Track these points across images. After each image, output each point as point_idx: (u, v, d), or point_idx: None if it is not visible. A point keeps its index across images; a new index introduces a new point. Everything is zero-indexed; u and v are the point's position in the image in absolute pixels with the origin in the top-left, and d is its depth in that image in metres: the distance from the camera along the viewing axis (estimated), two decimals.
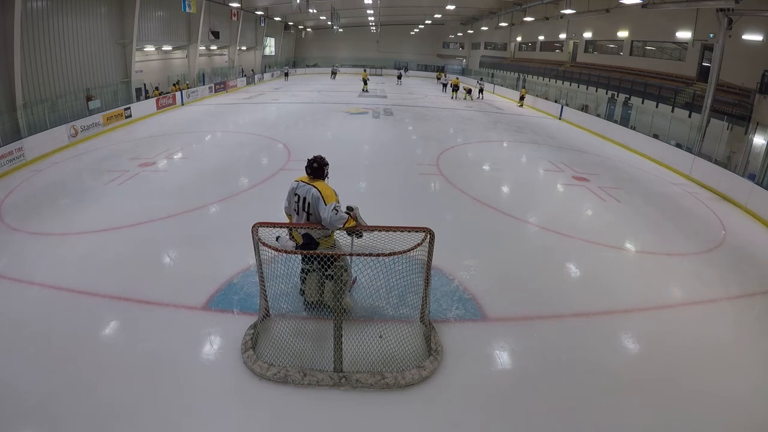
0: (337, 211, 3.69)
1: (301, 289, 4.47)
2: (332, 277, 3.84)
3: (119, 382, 3.50)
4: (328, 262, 3.69)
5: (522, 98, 23.66)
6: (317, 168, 3.97)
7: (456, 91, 24.81)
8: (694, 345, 4.28)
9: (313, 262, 4.03)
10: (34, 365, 3.66)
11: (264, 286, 3.95)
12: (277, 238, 3.87)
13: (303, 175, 4.06)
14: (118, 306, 4.49)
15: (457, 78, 28.10)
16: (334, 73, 36.65)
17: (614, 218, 7.58)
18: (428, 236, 3.62)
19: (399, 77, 33.75)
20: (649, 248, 6.45)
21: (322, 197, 3.77)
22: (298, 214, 3.99)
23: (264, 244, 3.60)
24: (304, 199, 3.89)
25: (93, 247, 5.80)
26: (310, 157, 4.05)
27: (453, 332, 4.22)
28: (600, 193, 8.84)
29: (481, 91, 25.56)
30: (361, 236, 3.83)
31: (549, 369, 3.85)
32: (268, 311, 4.18)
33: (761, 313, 5.08)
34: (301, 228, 3.92)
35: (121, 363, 3.70)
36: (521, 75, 27.06)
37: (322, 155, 4.07)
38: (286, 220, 4.20)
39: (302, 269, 4.41)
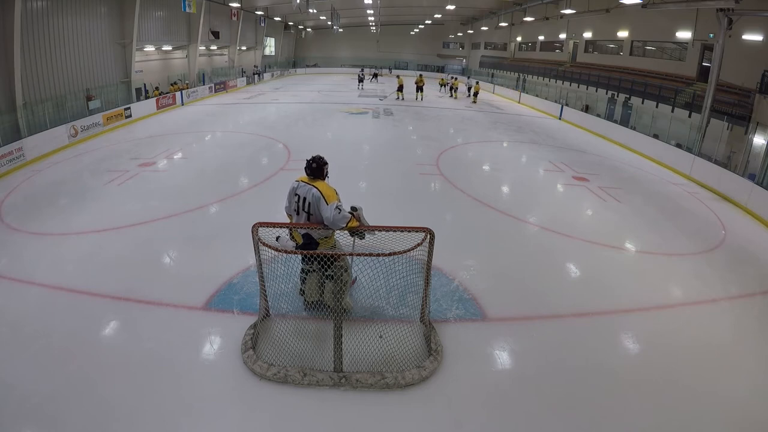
0: (340, 210, 3.70)
1: (301, 289, 4.46)
2: (332, 278, 3.85)
3: (119, 382, 3.50)
4: (329, 263, 3.69)
5: (476, 94, 22.98)
6: (316, 168, 3.97)
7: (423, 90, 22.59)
8: (694, 345, 4.28)
9: (313, 263, 4.03)
10: (34, 365, 3.66)
11: (264, 286, 3.95)
12: (277, 238, 3.87)
13: (303, 175, 4.06)
14: (118, 306, 4.49)
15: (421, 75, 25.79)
16: (361, 80, 28.46)
17: (614, 218, 7.58)
18: (428, 236, 3.62)
19: (374, 75, 30.70)
20: (649, 248, 6.45)
21: (323, 197, 3.78)
22: (298, 214, 3.98)
23: (264, 244, 3.60)
24: (304, 199, 3.89)
25: (93, 247, 5.80)
26: (309, 157, 4.06)
27: (453, 332, 4.22)
28: (600, 193, 8.84)
29: (469, 89, 23.62)
30: (363, 237, 3.85)
31: (549, 369, 3.85)
32: (268, 311, 4.18)
33: (761, 313, 5.07)
34: (301, 228, 3.92)
35: (121, 363, 3.70)
36: (521, 75, 27.05)
37: (321, 155, 4.06)
38: (287, 220, 4.20)
39: (302, 269, 4.40)
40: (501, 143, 13.49)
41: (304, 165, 4.03)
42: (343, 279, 3.61)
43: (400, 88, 22.67)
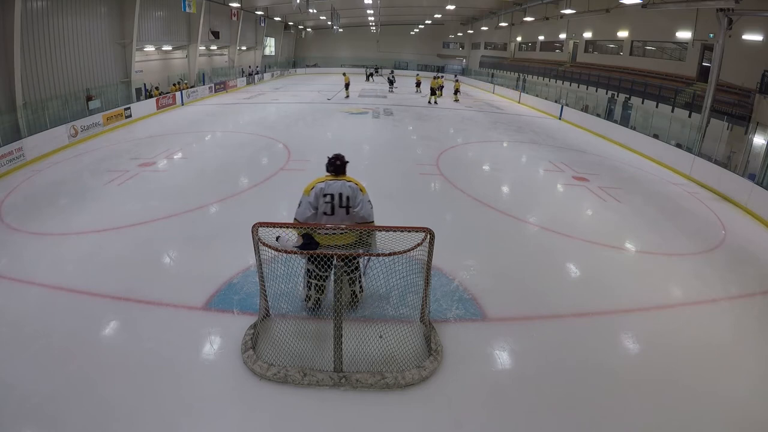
0: (372, 205, 4.02)
1: (307, 296, 4.32)
2: (353, 281, 4.16)
3: (119, 382, 3.50)
4: (348, 260, 3.69)
5: (456, 92, 22.69)
6: (340, 165, 4.10)
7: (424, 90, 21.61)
8: (694, 345, 4.28)
9: (328, 269, 3.95)
10: (34, 365, 3.66)
11: (264, 286, 3.94)
12: (278, 238, 3.87)
13: (318, 176, 4.09)
14: (118, 306, 4.49)
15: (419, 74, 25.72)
16: (392, 82, 27.02)
17: (614, 218, 7.58)
18: (428, 236, 3.62)
19: (391, 79, 27.31)
20: (649, 248, 6.45)
21: (359, 188, 4.01)
22: (332, 213, 3.98)
23: (264, 244, 3.60)
24: (340, 194, 3.96)
25: (93, 247, 5.80)
26: (330, 155, 4.16)
27: (453, 332, 4.22)
28: (600, 193, 8.84)
29: (441, 88, 22.13)
30: (367, 250, 3.98)
31: (549, 369, 3.85)
32: (268, 311, 4.18)
33: (761, 313, 5.07)
34: (301, 228, 3.92)
35: (121, 363, 3.70)
36: (521, 75, 27.06)
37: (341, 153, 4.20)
38: (287, 220, 4.18)
39: (315, 275, 4.13)
40: (501, 143, 13.49)
41: (326, 164, 4.14)
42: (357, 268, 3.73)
43: (347, 86, 22.77)
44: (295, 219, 4.05)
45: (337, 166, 4.08)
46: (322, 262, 3.90)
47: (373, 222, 4.07)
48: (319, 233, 3.96)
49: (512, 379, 3.75)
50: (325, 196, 3.97)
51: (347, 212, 3.99)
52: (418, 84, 26.72)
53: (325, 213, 3.99)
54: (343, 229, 3.84)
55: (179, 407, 3.30)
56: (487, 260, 5.74)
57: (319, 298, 4.27)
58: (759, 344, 4.42)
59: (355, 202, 3.99)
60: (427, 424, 3.26)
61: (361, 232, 3.92)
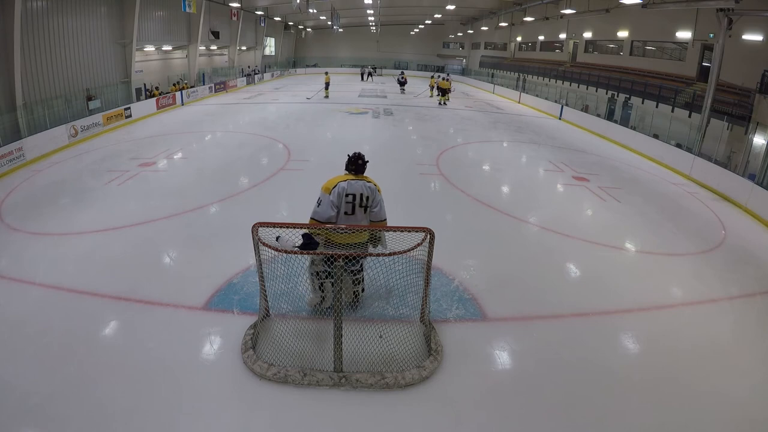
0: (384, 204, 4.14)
1: (322, 297, 4.25)
2: (357, 281, 4.18)
3: (119, 382, 3.50)
4: (356, 259, 3.71)
5: (448, 91, 21.45)
6: (362, 164, 4.11)
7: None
8: (694, 345, 4.28)
9: (338, 268, 3.94)
10: (33, 365, 3.66)
11: (264, 286, 3.94)
12: (277, 238, 3.87)
13: (335, 176, 4.09)
14: (118, 306, 4.49)
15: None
16: (402, 84, 26.26)
17: (614, 218, 7.58)
18: (428, 236, 3.62)
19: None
20: (649, 248, 6.45)
21: (377, 189, 4.06)
22: (352, 213, 3.99)
23: (264, 244, 3.60)
24: (362, 195, 3.98)
25: (93, 247, 5.80)
26: (351, 154, 4.15)
27: (453, 332, 4.22)
28: (600, 193, 8.84)
29: (442, 92, 20.97)
30: (375, 246, 4.03)
31: (549, 369, 3.85)
32: (268, 311, 4.18)
33: (761, 313, 5.07)
34: (300, 228, 3.92)
35: (121, 363, 3.70)
36: (521, 75, 27.06)
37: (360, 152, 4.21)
38: (288, 220, 4.19)
39: (328, 275, 4.07)
40: (501, 143, 13.50)
41: (346, 162, 4.13)
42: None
43: (327, 86, 22.49)
44: (311, 218, 4.00)
45: (358, 165, 4.10)
46: (333, 262, 3.88)
47: (385, 221, 4.14)
48: (335, 231, 3.95)
49: (512, 378, 3.75)
50: (347, 195, 3.97)
51: (365, 211, 4.03)
52: (404, 82, 26.54)
53: (345, 213, 4.00)
54: (344, 230, 3.84)
55: (179, 407, 3.30)
56: (487, 260, 5.75)
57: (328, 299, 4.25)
58: (759, 344, 4.43)
59: (374, 202, 4.04)
60: (427, 424, 3.26)
61: (373, 231, 3.97)
